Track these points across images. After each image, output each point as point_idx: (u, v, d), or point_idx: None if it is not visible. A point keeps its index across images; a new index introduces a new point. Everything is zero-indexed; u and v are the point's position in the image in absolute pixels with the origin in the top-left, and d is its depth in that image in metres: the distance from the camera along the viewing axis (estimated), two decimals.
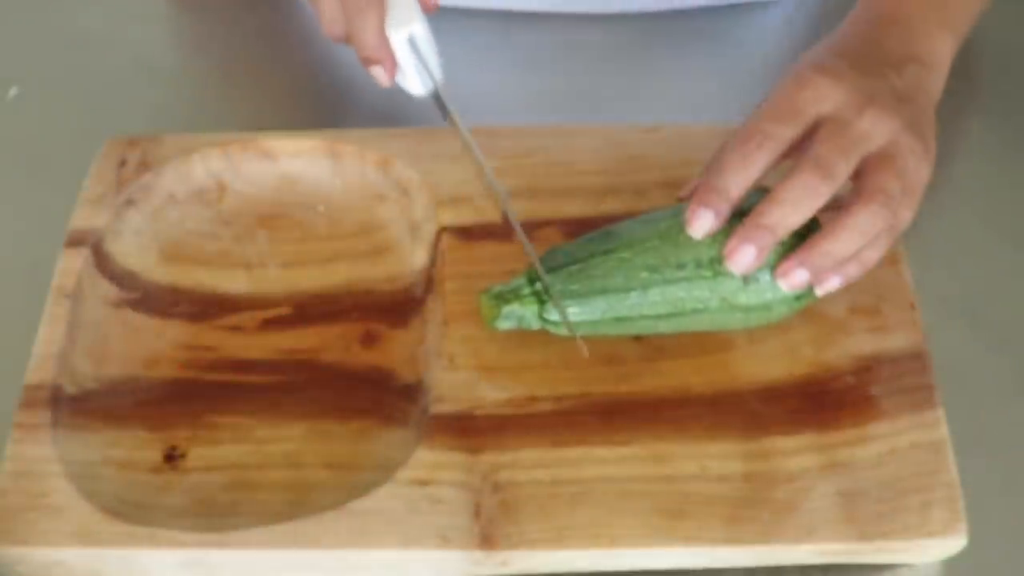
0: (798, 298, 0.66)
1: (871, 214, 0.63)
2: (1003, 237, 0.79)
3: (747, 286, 0.66)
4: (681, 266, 0.66)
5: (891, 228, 0.64)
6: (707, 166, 0.65)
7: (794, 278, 0.64)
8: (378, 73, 0.68)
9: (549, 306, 0.67)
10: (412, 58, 0.67)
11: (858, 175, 0.64)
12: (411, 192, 0.78)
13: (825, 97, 0.64)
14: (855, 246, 0.64)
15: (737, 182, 0.63)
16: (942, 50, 0.69)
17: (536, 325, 0.68)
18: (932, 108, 0.67)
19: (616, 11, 0.91)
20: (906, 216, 0.65)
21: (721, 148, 0.65)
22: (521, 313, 0.68)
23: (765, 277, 0.65)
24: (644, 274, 0.66)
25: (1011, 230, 0.80)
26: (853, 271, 0.65)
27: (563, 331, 0.68)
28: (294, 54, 0.91)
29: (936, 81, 0.68)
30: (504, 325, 0.68)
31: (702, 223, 0.64)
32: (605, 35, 0.91)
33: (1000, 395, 0.72)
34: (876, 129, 0.64)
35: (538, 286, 0.68)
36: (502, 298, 0.68)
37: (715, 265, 0.65)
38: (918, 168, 0.64)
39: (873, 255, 0.65)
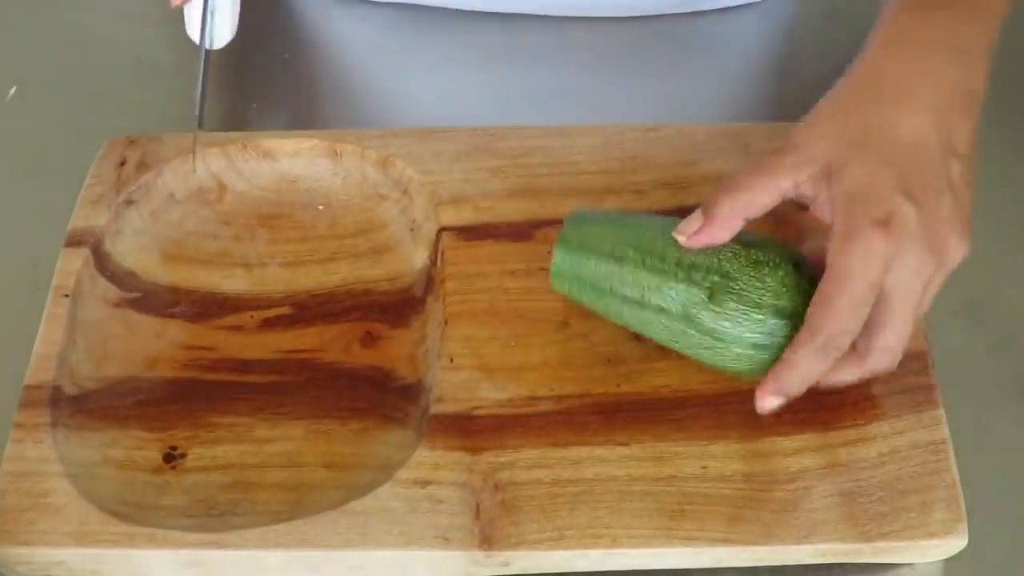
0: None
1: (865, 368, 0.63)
2: (1003, 237, 0.79)
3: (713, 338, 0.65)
4: (663, 259, 0.66)
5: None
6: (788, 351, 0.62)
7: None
8: None
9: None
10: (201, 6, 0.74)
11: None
12: (411, 192, 0.77)
13: (889, 262, 0.60)
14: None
15: (812, 376, 0.62)
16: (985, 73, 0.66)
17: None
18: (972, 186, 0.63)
19: (616, 14, 0.91)
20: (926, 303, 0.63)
21: (798, 340, 0.61)
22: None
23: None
24: (631, 252, 0.66)
25: (1011, 231, 0.80)
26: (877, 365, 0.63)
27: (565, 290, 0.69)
28: (294, 54, 0.91)
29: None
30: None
31: (772, 405, 0.63)
32: (606, 36, 0.91)
33: (1000, 395, 0.72)
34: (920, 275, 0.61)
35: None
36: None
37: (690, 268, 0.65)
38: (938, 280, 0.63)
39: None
